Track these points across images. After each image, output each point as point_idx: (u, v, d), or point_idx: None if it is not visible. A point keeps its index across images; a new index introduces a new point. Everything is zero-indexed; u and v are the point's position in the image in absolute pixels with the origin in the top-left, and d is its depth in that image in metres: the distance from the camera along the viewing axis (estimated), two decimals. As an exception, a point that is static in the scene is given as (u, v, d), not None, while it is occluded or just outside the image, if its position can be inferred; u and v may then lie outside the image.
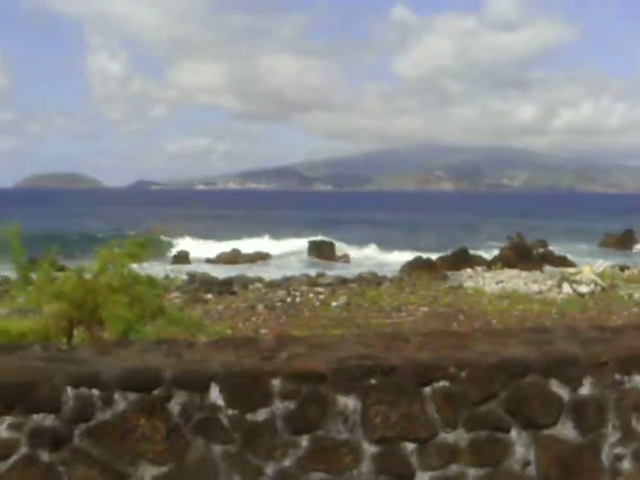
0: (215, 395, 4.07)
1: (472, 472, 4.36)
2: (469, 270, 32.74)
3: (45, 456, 3.97)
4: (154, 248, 7.64)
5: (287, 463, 4.15)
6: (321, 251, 47.75)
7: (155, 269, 7.37)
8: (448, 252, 40.10)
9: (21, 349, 4.66)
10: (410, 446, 4.30)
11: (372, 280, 29.57)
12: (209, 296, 24.00)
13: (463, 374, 4.35)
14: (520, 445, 4.42)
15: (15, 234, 7.59)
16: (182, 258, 42.04)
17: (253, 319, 19.68)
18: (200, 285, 26.29)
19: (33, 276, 7.63)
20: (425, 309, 21.36)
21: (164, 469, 4.06)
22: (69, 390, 3.97)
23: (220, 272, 33.24)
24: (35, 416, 3.94)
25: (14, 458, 3.94)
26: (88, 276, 7.06)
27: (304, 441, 4.16)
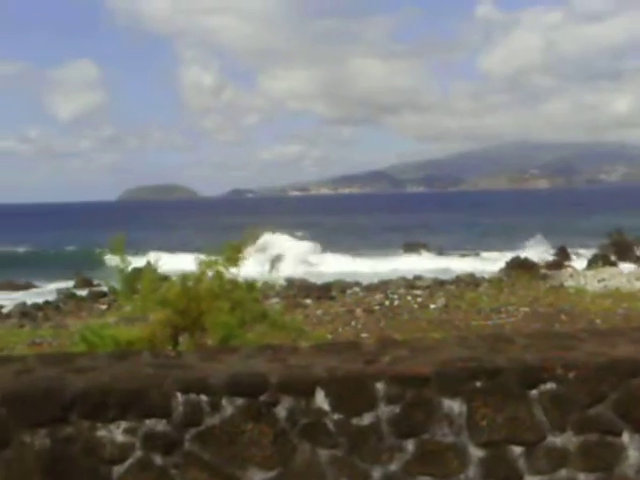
0: (320, 400, 4.10)
1: (582, 477, 4.24)
2: (569, 269, 31.98)
3: (158, 460, 4.09)
4: (250, 251, 7.74)
5: (393, 467, 4.14)
6: (413, 252, 47.60)
7: (253, 274, 7.53)
8: (547, 251, 39.26)
9: (132, 356, 4.82)
10: (517, 450, 4.23)
11: (470, 281, 29.24)
12: (308, 301, 24.20)
13: (571, 375, 4.25)
14: (633, 449, 4.28)
15: (120, 245, 7.83)
16: (278, 263, 42.39)
17: (352, 323, 19.72)
18: (299, 290, 26.54)
19: (138, 285, 7.85)
20: (525, 310, 20.95)
21: (272, 473, 4.11)
22: (179, 396, 4.08)
23: (317, 276, 33.49)
24: (148, 421, 4.07)
25: (129, 461, 4.08)
26: (190, 283, 7.21)
27: (410, 445, 4.15)
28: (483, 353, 4.54)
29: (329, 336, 16.72)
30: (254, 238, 7.66)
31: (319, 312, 21.86)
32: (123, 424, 4.07)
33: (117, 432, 4.08)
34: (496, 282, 28.55)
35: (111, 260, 8.05)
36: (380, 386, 4.12)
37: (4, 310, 25.92)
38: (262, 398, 4.08)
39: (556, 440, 4.24)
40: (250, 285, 7.50)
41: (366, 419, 4.12)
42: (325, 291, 26.60)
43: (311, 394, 4.09)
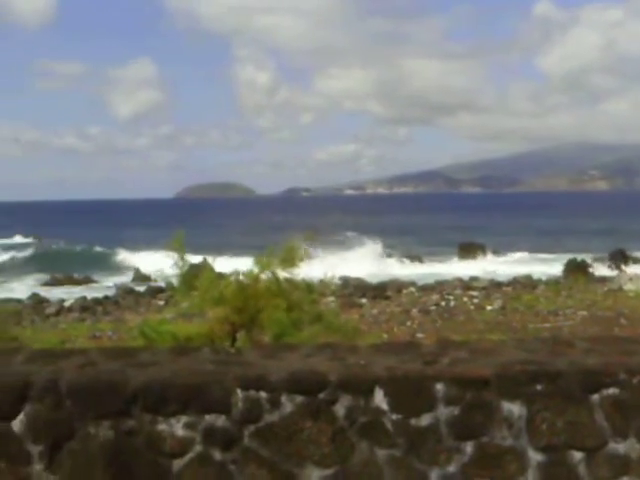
0: (379, 399, 4.10)
1: (645, 486, 4.17)
2: (629, 272, 31.36)
3: (217, 455, 4.13)
4: (307, 253, 7.76)
5: (451, 469, 4.12)
6: (469, 253, 47.18)
7: (308, 273, 7.56)
8: (605, 254, 38.55)
9: (192, 352, 4.88)
10: (577, 455, 4.17)
11: (527, 283, 28.90)
12: (363, 300, 24.18)
13: (635, 381, 4.17)
14: (698, 457, 4.19)
15: (179, 242, 7.91)
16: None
17: (408, 323, 19.65)
18: (354, 290, 26.53)
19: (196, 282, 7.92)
20: (584, 313, 20.62)
21: (329, 471, 4.13)
22: (239, 392, 4.12)
23: (372, 276, 33.44)
24: (208, 416, 4.12)
25: (189, 456, 4.14)
26: (248, 282, 7.26)
27: (468, 447, 4.12)
28: (543, 356, 4.49)
29: (385, 336, 16.69)
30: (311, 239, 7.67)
31: (375, 311, 21.83)
32: (183, 418, 4.13)
33: (177, 426, 4.14)
34: (553, 284, 28.16)
35: (169, 258, 8.13)
36: (439, 387, 4.10)
37: (66, 304, 26.46)
38: (321, 396, 4.09)
39: (618, 447, 4.16)
40: (309, 286, 7.53)
41: (425, 420, 4.11)
42: (381, 291, 26.54)
43: (370, 393, 4.10)
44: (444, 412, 4.11)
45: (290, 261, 7.41)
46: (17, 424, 4.19)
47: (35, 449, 4.18)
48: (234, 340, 6.98)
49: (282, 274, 7.46)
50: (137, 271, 39.15)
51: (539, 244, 53.73)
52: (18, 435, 4.19)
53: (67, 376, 4.27)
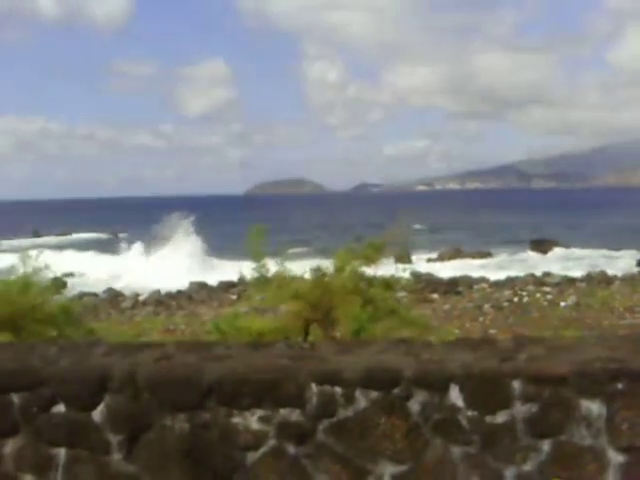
0: (455, 396, 4.05)
1: None
2: None
3: (291, 449, 4.15)
4: (388, 251, 7.73)
5: (528, 468, 4.04)
6: (542, 249, 46.42)
7: (383, 269, 7.50)
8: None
9: (266, 346, 4.91)
10: (660, 456, 4.04)
11: (602, 279, 28.23)
12: (435, 296, 24.03)
13: None
14: None
15: (254, 237, 7.95)
16: (404, 257, 42.19)
17: (480, 319, 19.45)
18: (426, 285, 26.37)
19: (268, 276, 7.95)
20: (662, 310, 20.07)
21: (403, 467, 4.10)
22: (313, 387, 4.12)
23: (438, 270, 33.22)
24: (282, 410, 4.14)
25: (263, 449, 4.17)
26: (323, 278, 7.27)
27: (545, 446, 4.03)
28: (624, 354, 4.36)
29: (457, 331, 16.54)
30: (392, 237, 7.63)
31: (446, 307, 21.66)
32: (258, 412, 4.16)
33: (252, 420, 4.17)
34: (629, 280, 27.45)
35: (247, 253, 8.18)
36: (516, 384, 4.03)
37: (141, 298, 26.99)
38: (396, 392, 4.07)
39: (701, 448, 4.02)
40: (387, 282, 7.50)
41: (500, 417, 4.04)
42: (452, 286, 26.33)
43: (445, 390, 4.05)
44: (521, 410, 4.03)
45: (371, 259, 7.39)
46: (97, 414, 4.30)
47: (114, 439, 4.28)
48: (306, 335, 7.00)
49: (361, 271, 7.45)
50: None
51: (612, 240, 52.33)
52: (98, 425, 4.30)
53: (145, 369, 4.35)
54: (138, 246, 45.37)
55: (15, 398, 4.38)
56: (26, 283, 7.16)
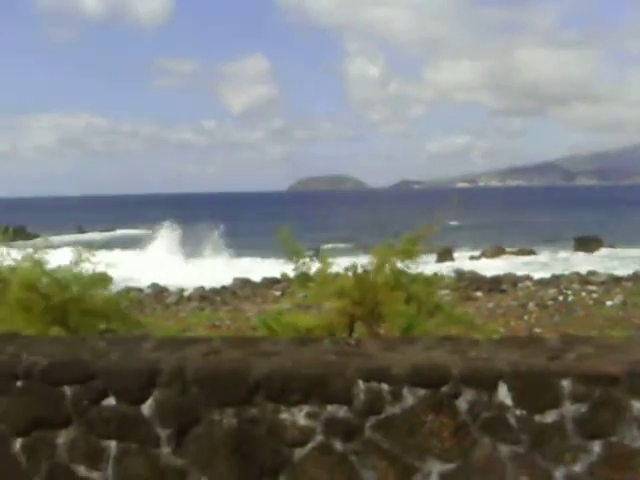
0: (503, 394, 4.03)
1: None
2: None
3: (338, 445, 4.16)
4: (428, 248, 7.69)
5: (577, 468, 4.00)
6: (586, 247, 45.83)
7: (422, 266, 7.44)
8: None
9: (312, 342, 4.93)
10: None
11: (650, 278, 27.76)
12: (478, 294, 23.86)
13: None
14: None
15: (290, 234, 7.95)
16: (446, 255, 42.02)
17: (525, 317, 19.25)
18: (469, 283, 26.21)
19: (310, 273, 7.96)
20: None
21: (451, 466, 4.09)
22: (361, 383, 4.13)
23: (481, 267, 32.98)
24: (329, 407, 4.15)
25: (310, 445, 4.19)
26: (366, 275, 7.26)
27: (596, 446, 3.99)
28: (677, 354, 4.30)
29: (501, 330, 16.40)
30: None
31: (490, 305, 21.49)
32: (305, 408, 4.18)
33: (299, 416, 4.19)
34: (679, 280, 26.96)
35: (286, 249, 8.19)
36: (565, 383, 3.99)
37: (185, 294, 27.23)
38: (443, 390, 4.06)
39: None
40: (427, 280, 7.47)
41: (550, 417, 4.01)
42: (496, 284, 26.10)
43: (493, 388, 4.03)
44: (570, 409, 3.99)
45: (410, 254, 7.36)
46: (146, 408, 4.36)
47: (163, 433, 4.33)
48: (351, 332, 7.01)
49: (401, 267, 7.42)
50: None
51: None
52: (147, 419, 4.35)
53: (193, 363, 4.40)
54: (172, 243, 46.03)
55: (67, 390, 4.46)
56: (75, 277, 7.27)
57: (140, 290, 28.64)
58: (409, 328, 6.63)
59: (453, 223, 53.79)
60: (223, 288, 28.73)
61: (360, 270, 7.33)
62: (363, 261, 7.59)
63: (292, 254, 7.78)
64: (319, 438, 4.18)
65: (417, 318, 6.79)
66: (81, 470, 4.44)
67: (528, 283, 27.14)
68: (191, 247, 44.25)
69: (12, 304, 6.97)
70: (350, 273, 7.41)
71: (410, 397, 4.09)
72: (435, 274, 9.70)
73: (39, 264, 7.33)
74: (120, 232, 76.29)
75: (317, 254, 8.11)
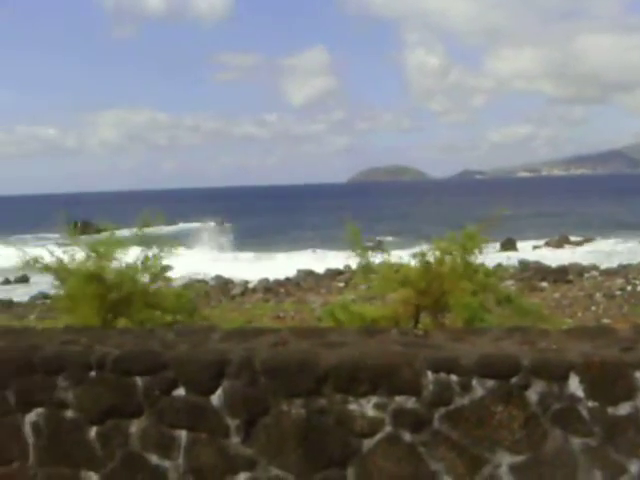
0: (575, 386, 3.96)
1: None
2: None
3: (407, 436, 4.15)
4: (490, 238, 7.59)
5: (653, 462, 3.92)
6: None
7: (484, 256, 7.37)
8: None
9: (379, 333, 4.91)
10: None
11: None
12: (544, 284, 23.52)
13: None
14: None
15: (356, 228, 7.92)
16: (509, 244, 41.54)
17: (592, 308, 18.91)
18: (534, 273, 25.87)
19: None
20: None
21: (521, 458, 4.04)
22: (429, 374, 4.11)
23: (546, 257, 32.49)
24: (398, 397, 4.14)
25: (379, 436, 4.18)
26: (432, 264, 7.19)
27: (671, 440, 3.90)
28: None
29: (569, 320, 16.14)
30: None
31: (556, 295, 21.16)
32: (374, 399, 4.17)
33: (368, 407, 4.19)
34: None
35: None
36: (639, 375, 3.90)
37: (250, 285, 27.48)
38: (513, 381, 4.01)
39: None
40: (488, 271, 7.38)
41: (623, 409, 3.93)
42: (562, 274, 25.68)
43: (565, 379, 3.96)
44: (645, 402, 3.91)
45: (473, 245, 7.28)
46: (215, 399, 4.41)
47: (233, 423, 4.38)
48: (417, 323, 6.97)
49: (465, 259, 7.35)
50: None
51: None
52: (217, 409, 4.40)
53: (261, 354, 4.42)
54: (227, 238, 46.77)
55: (139, 381, 4.54)
56: (145, 268, 7.36)
57: (205, 282, 29.00)
58: (473, 319, 6.56)
59: (515, 212, 53.00)
60: (287, 280, 28.91)
61: (427, 258, 7.27)
62: (427, 252, 7.55)
63: (356, 246, 7.77)
64: (387, 429, 4.17)
65: (482, 309, 6.72)
66: (153, 459, 4.52)
67: (594, 273, 26.67)
68: (254, 240, 44.68)
69: (79, 296, 7.09)
70: (416, 261, 7.35)
71: (479, 388, 4.05)
72: (499, 264, 9.60)
73: (106, 256, 7.44)
74: (182, 225, 77.23)
75: (380, 245, 8.08)
